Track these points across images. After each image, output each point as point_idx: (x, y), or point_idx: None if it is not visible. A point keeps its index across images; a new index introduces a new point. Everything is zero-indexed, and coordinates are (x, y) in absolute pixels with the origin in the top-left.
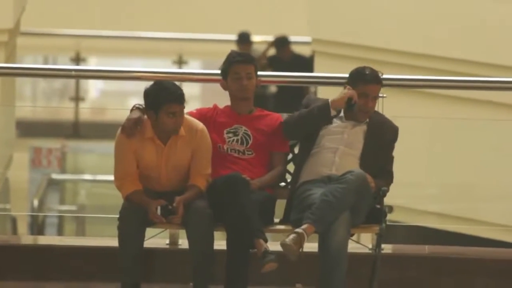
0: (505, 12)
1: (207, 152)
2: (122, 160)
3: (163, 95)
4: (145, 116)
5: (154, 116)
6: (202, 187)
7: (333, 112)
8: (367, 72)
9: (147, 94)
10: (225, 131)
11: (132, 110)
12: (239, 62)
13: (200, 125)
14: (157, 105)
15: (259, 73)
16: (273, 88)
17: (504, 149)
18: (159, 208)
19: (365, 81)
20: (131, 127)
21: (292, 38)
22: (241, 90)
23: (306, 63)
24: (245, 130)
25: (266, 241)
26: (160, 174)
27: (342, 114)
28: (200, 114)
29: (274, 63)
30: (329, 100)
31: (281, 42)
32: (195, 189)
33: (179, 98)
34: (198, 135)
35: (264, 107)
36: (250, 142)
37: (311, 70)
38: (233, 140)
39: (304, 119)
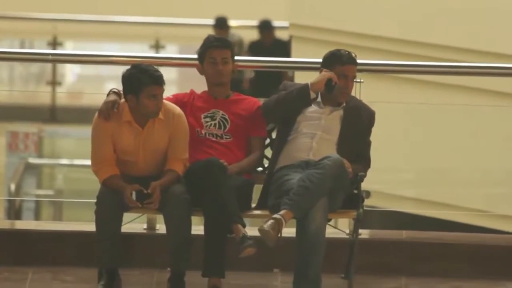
0: None
1: (185, 136)
2: (99, 145)
3: (143, 78)
4: (122, 100)
5: (135, 99)
6: (179, 171)
7: (312, 95)
8: (342, 53)
9: (127, 78)
10: (202, 116)
11: (108, 94)
12: (215, 46)
13: (177, 109)
14: (138, 89)
15: (236, 57)
16: (250, 73)
17: (480, 134)
18: (134, 193)
19: (342, 62)
20: (108, 110)
21: None
22: (216, 75)
23: (287, 48)
24: (222, 114)
25: (244, 226)
26: (138, 158)
27: (319, 99)
28: (177, 99)
29: (255, 48)
30: (309, 83)
31: (265, 26)
32: (172, 173)
33: (159, 80)
34: (175, 119)
35: (240, 92)
36: (228, 126)
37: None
38: (211, 124)
39: (284, 101)
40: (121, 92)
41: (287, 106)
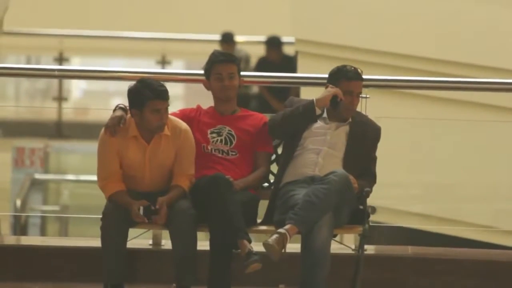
0: (488, 13)
1: (191, 152)
2: (105, 160)
3: (146, 92)
4: (128, 115)
5: (139, 114)
6: (185, 187)
7: (318, 111)
8: (348, 69)
9: (131, 92)
10: (208, 131)
11: (115, 110)
12: (221, 61)
13: (184, 125)
14: (140, 103)
15: (242, 73)
16: (256, 89)
17: (487, 149)
18: (141, 208)
19: (348, 78)
20: (114, 125)
21: None
22: (223, 90)
23: (293, 64)
24: (229, 130)
25: (249, 241)
26: (144, 173)
27: (325, 115)
28: (183, 115)
29: (263, 65)
30: (314, 99)
31: (273, 43)
32: (179, 189)
33: (162, 94)
34: (182, 135)
35: (246, 107)
36: (234, 142)
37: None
38: (217, 140)
39: (289, 117)
40: (128, 107)
41: (293, 122)
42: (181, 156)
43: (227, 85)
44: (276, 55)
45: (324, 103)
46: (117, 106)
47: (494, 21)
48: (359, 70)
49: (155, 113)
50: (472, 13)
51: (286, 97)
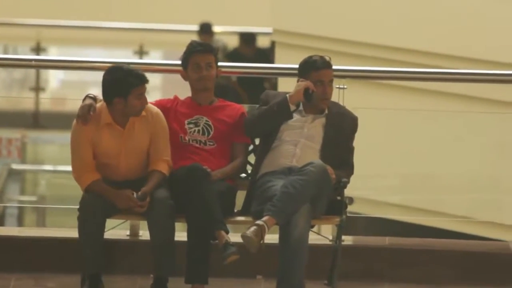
0: (468, 3)
1: (165, 135)
2: (79, 150)
3: (131, 79)
4: (98, 104)
5: (123, 102)
6: (164, 171)
7: (292, 107)
8: (316, 59)
9: (113, 81)
10: (186, 122)
11: (84, 99)
12: (199, 52)
13: (155, 108)
14: (126, 91)
15: (220, 63)
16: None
17: (465, 140)
18: (134, 193)
19: (316, 68)
20: (84, 114)
21: (253, 29)
22: (200, 80)
23: (268, 57)
24: (206, 120)
25: (227, 232)
26: (119, 160)
27: (301, 107)
28: (160, 105)
29: (234, 57)
30: (287, 96)
31: (247, 39)
32: (158, 174)
33: (144, 78)
34: (154, 118)
35: (224, 98)
36: (212, 132)
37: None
38: (194, 130)
39: (265, 117)
40: (97, 96)
41: (269, 122)
42: (156, 140)
43: (205, 75)
44: (248, 50)
45: (297, 98)
46: (86, 96)
47: (474, 11)
48: (326, 58)
49: (139, 98)
50: (452, 3)
51: (260, 91)
